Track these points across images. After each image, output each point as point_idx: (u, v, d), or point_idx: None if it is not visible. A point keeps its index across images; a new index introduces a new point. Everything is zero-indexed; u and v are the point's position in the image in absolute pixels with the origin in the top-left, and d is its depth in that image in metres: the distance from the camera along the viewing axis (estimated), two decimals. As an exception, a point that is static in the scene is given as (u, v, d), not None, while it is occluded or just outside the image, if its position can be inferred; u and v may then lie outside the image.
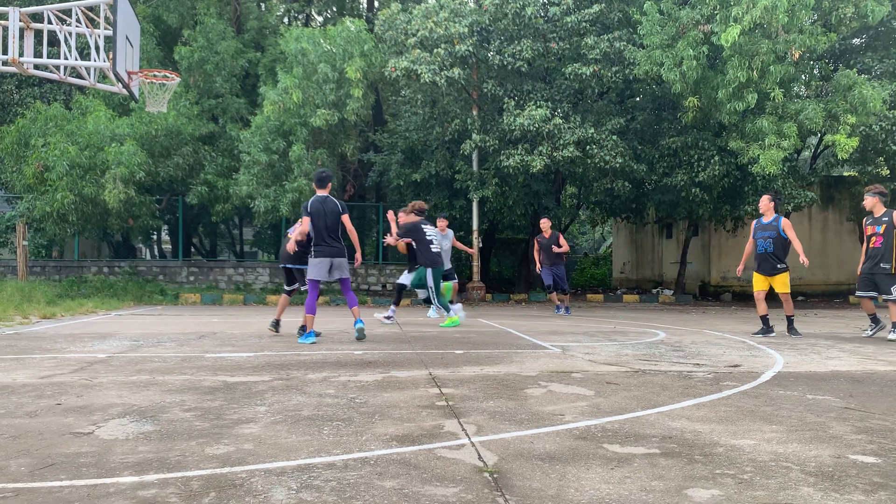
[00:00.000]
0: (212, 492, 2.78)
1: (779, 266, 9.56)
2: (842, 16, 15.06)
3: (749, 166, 15.40)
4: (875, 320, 9.39)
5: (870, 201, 9.46)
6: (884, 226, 9.16)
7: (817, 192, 19.70)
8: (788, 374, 5.95)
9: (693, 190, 17.07)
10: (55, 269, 19.60)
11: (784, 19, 13.81)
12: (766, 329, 9.53)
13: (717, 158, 16.58)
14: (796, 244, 9.52)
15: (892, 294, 8.98)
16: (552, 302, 14.69)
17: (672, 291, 20.38)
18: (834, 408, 4.54)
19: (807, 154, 22.97)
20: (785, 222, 9.60)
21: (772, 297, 9.92)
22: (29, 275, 18.10)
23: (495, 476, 3.03)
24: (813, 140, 21.09)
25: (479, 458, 3.31)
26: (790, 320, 9.72)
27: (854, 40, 18.22)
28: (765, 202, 9.86)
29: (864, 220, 9.63)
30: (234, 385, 5.19)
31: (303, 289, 8.91)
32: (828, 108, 14.96)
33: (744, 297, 18.93)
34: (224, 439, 3.59)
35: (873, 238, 9.26)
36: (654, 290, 21.78)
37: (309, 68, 17.40)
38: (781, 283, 9.58)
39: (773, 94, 14.55)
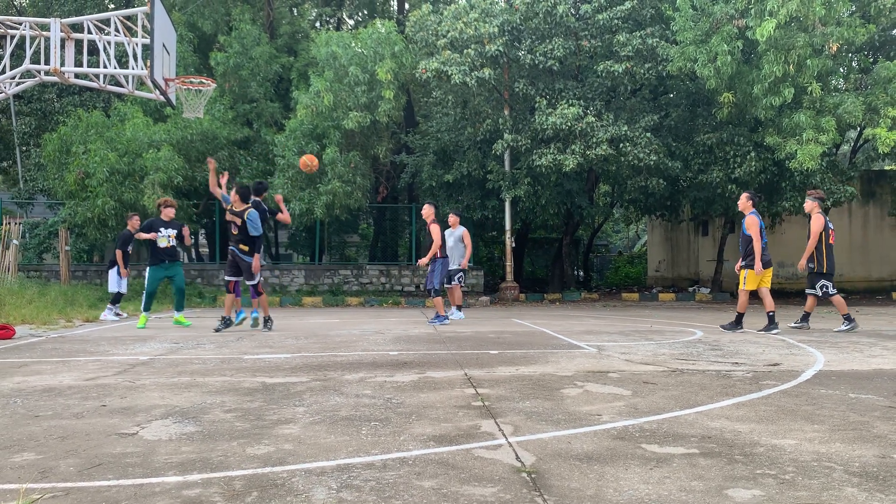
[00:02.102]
0: (254, 491, 2.83)
1: (741, 263, 9.48)
2: (881, 6, 14.77)
3: (786, 162, 15.16)
4: None
5: (808, 205, 9.68)
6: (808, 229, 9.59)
7: (857, 186, 19.32)
8: (830, 373, 5.85)
9: (729, 186, 16.84)
10: (96, 274, 20.01)
11: (821, 12, 13.57)
12: (775, 325, 9.47)
13: (753, 154, 16.34)
14: (755, 244, 9.28)
15: (813, 289, 9.64)
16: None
17: (709, 290, 20.12)
18: (878, 407, 4.45)
19: (846, 148, 22.54)
20: (747, 221, 9.42)
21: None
22: (71, 279, 18.51)
23: (533, 476, 3.03)
24: (852, 134, 20.69)
25: (517, 458, 3.32)
26: (738, 316, 9.61)
27: (894, 31, 17.83)
28: (742, 200, 9.76)
29: None
30: (273, 386, 5.26)
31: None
32: (867, 101, 14.67)
33: (782, 295, 18.60)
34: (264, 440, 3.65)
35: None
36: (691, 289, 21.52)
37: (340, 71, 17.54)
38: (741, 280, 9.48)
39: (810, 89, 14.29)
